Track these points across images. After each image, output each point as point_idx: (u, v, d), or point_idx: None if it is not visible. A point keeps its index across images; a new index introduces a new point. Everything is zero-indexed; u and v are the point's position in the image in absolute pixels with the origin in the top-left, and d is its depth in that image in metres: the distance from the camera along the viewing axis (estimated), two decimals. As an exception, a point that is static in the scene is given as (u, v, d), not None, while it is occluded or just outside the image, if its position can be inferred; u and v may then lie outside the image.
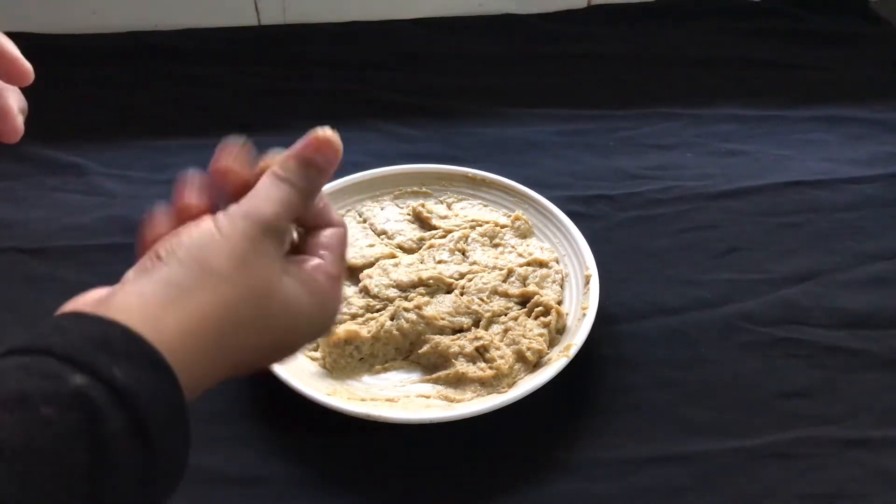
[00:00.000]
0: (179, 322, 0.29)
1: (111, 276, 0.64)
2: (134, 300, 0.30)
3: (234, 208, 0.33)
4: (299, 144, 0.36)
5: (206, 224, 0.32)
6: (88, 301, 0.31)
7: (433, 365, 0.54)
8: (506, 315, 0.56)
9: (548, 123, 0.79)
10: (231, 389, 0.53)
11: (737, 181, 0.72)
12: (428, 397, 0.51)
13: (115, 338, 0.27)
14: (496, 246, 0.62)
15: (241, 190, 0.35)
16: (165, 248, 0.31)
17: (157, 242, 0.33)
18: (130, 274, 0.32)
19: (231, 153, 0.36)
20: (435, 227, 0.63)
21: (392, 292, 0.57)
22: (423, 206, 0.64)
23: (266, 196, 0.34)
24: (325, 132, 0.36)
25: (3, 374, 0.25)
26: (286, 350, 0.35)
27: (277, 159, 0.36)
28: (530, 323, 0.55)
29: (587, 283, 0.57)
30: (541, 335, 0.54)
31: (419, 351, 0.54)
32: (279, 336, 0.33)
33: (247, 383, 0.54)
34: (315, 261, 0.35)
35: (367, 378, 0.54)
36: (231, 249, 0.31)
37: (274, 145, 0.84)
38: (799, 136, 0.78)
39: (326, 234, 0.36)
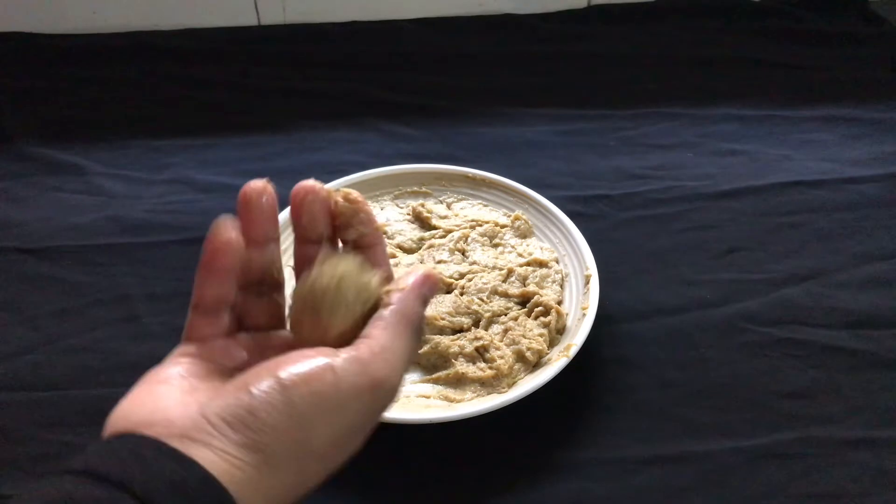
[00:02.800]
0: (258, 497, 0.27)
1: (111, 276, 0.65)
2: (216, 460, 0.27)
3: (353, 355, 0.30)
4: (413, 279, 0.33)
5: (320, 371, 0.29)
6: (164, 421, 0.28)
7: (433, 365, 0.54)
8: (506, 315, 0.56)
9: (548, 123, 0.80)
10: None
11: (737, 181, 0.72)
12: (428, 397, 0.51)
13: (196, 483, 0.26)
14: (496, 246, 0.62)
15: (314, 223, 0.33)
16: (263, 405, 0.28)
17: (259, 366, 0.29)
18: (208, 399, 0.29)
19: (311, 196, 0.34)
20: (435, 227, 0.63)
21: (392, 292, 0.57)
22: (422, 206, 0.65)
23: (393, 348, 0.31)
24: (429, 271, 0.34)
25: None
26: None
27: (396, 293, 0.33)
28: (530, 323, 0.55)
29: (587, 283, 0.57)
30: (541, 335, 0.54)
31: (419, 351, 0.54)
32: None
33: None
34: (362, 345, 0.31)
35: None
36: (343, 420, 0.29)
37: (274, 145, 0.84)
38: (799, 136, 0.78)
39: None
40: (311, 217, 0.34)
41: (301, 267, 0.34)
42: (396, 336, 0.31)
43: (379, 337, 0.31)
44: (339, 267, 0.33)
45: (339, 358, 0.29)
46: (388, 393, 0.31)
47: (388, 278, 0.35)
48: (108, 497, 0.24)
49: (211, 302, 0.33)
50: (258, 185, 0.33)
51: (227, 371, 0.32)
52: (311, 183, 0.34)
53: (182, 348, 0.33)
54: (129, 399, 0.30)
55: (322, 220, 0.35)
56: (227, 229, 0.33)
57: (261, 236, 0.34)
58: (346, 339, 0.32)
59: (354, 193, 0.35)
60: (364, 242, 0.34)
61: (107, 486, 0.24)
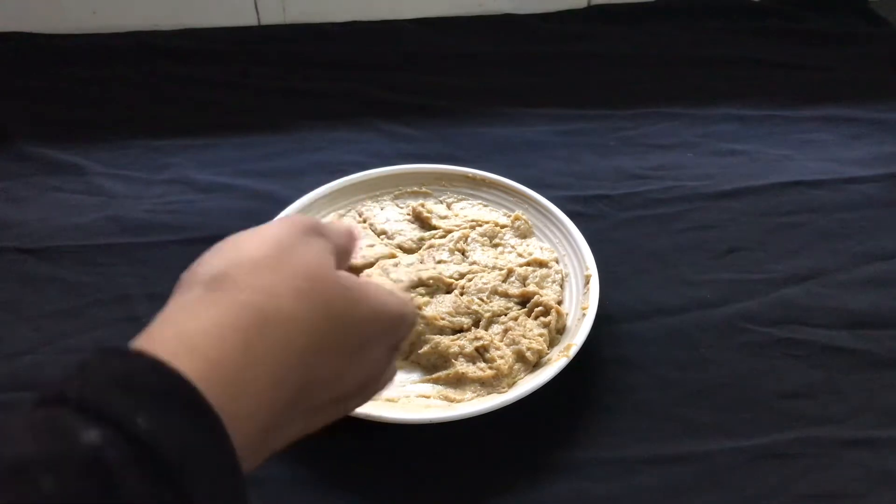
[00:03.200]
0: (218, 338, 0.24)
1: (111, 276, 0.64)
2: (168, 328, 0.25)
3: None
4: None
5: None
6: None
7: (433, 365, 0.54)
8: (506, 315, 0.56)
9: (548, 123, 0.80)
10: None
11: (737, 181, 0.72)
12: (428, 397, 0.51)
13: (140, 373, 0.22)
14: (496, 246, 0.62)
15: None
16: (198, 264, 0.28)
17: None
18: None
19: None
20: (435, 227, 0.63)
21: (392, 292, 0.57)
22: (422, 206, 0.64)
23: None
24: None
25: (6, 437, 0.20)
26: (372, 371, 0.31)
27: None
28: (530, 323, 0.55)
29: (587, 283, 0.57)
30: (541, 335, 0.54)
31: (419, 351, 0.54)
32: (356, 348, 0.29)
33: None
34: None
35: (367, 378, 0.54)
36: (265, 239, 0.28)
37: (274, 145, 0.84)
38: (799, 136, 0.78)
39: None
40: None
41: None
42: None
43: None
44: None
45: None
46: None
47: None
48: (39, 416, 0.21)
49: None
50: None
51: None
52: None
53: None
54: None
55: None
56: None
57: None
58: None
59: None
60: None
61: (43, 406, 0.21)
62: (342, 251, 0.32)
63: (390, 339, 0.32)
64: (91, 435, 0.20)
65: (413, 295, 0.57)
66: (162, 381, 0.22)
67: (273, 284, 0.27)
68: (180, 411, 0.22)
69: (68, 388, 0.21)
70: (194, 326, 0.25)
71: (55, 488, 0.19)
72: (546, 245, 0.62)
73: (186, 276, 0.28)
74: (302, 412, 0.28)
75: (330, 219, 0.64)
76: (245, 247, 0.28)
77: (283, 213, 0.61)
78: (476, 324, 0.56)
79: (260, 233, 0.29)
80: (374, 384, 0.32)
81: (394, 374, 0.34)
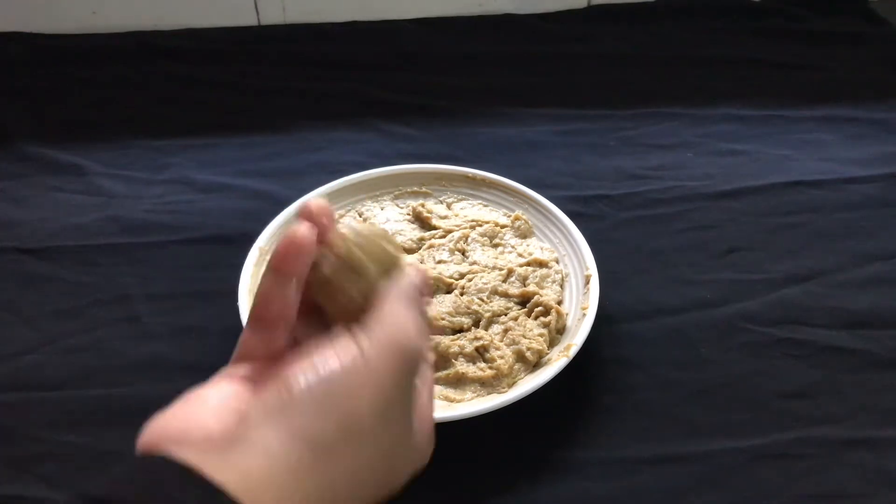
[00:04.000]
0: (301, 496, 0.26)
1: (111, 276, 0.64)
2: (258, 464, 0.26)
3: (375, 327, 0.30)
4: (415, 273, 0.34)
5: (347, 351, 0.29)
6: (205, 428, 0.27)
7: (433, 365, 0.54)
8: (506, 315, 0.56)
9: (548, 123, 0.80)
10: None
11: (737, 181, 0.72)
12: (428, 397, 0.51)
13: None
14: (496, 246, 0.62)
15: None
16: (299, 382, 0.28)
17: (287, 366, 0.29)
18: (248, 403, 0.28)
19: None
20: (435, 227, 0.63)
21: (392, 292, 0.57)
22: (423, 206, 0.64)
23: (406, 316, 0.31)
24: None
25: None
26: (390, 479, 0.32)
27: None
28: (530, 323, 0.55)
29: (587, 283, 0.57)
30: (541, 335, 0.54)
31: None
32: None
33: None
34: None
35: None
36: (376, 392, 0.28)
37: (274, 145, 0.84)
38: (799, 136, 0.78)
39: None
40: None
41: None
42: (397, 301, 0.31)
43: (382, 305, 0.31)
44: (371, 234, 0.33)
45: (362, 336, 0.30)
46: (410, 352, 0.30)
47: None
48: None
49: (275, 312, 0.31)
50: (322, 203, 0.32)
51: None
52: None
53: (229, 369, 0.31)
54: (168, 412, 0.29)
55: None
56: (305, 230, 0.31)
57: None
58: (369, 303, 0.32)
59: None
60: None
61: None
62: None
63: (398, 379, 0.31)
64: None
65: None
66: None
67: (358, 458, 0.28)
68: None
69: None
70: (279, 486, 0.26)
71: None
72: (546, 245, 0.62)
73: (288, 409, 0.27)
74: None
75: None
76: (357, 410, 0.28)
77: (283, 213, 0.61)
78: (476, 324, 0.56)
79: (375, 383, 0.29)
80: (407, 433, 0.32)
81: (431, 406, 0.35)
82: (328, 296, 0.33)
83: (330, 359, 0.28)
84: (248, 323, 0.32)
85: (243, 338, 0.32)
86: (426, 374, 0.33)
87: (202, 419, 0.27)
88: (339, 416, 0.27)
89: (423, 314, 0.33)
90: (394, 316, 0.31)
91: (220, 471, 0.25)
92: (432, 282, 0.36)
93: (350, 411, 0.28)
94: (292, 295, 0.31)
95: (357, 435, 0.28)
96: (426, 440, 0.33)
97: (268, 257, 0.59)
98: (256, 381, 0.30)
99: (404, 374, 0.30)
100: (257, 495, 0.25)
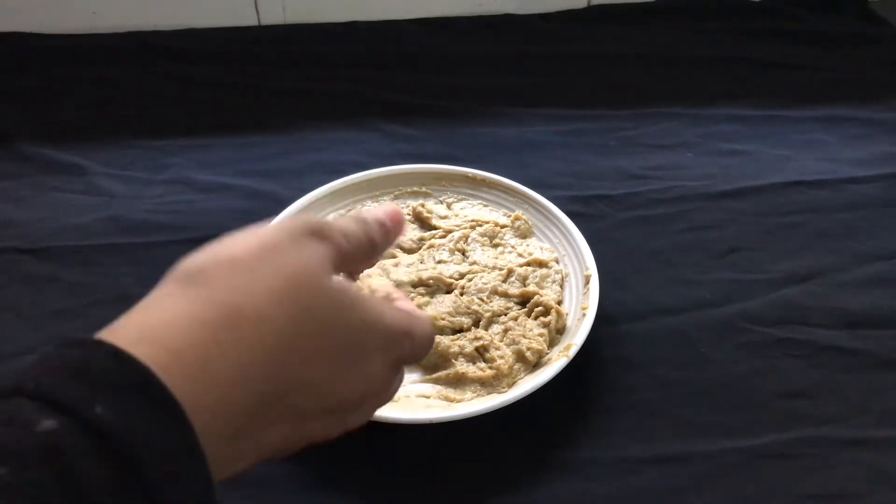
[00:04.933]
0: (182, 330, 0.24)
1: (111, 276, 0.64)
2: (134, 319, 0.25)
3: None
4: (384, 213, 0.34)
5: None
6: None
7: (433, 365, 0.54)
8: (506, 315, 0.56)
9: (548, 123, 0.80)
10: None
11: (737, 181, 0.72)
12: (428, 397, 0.51)
13: (98, 361, 0.22)
14: (496, 246, 0.62)
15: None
16: (181, 261, 0.27)
17: None
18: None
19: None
20: (435, 227, 0.63)
21: (392, 292, 0.57)
22: (423, 206, 0.64)
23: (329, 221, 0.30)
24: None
25: None
26: (371, 386, 0.29)
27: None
28: (530, 323, 0.55)
29: (587, 283, 0.57)
30: (541, 335, 0.54)
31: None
32: (347, 357, 0.28)
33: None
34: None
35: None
36: (251, 239, 0.27)
37: (274, 145, 0.84)
38: (799, 136, 0.78)
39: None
40: None
41: None
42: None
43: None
44: None
45: None
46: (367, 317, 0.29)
47: None
48: (2, 408, 0.21)
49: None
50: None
51: None
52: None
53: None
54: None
55: None
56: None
57: None
58: None
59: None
60: None
61: (2, 397, 0.21)
62: (347, 256, 0.30)
63: (389, 353, 0.30)
64: (47, 424, 0.20)
65: (413, 294, 0.57)
66: (120, 368, 0.22)
67: (248, 283, 0.26)
68: (139, 398, 0.21)
69: (26, 378, 0.21)
70: (160, 318, 0.25)
71: (11, 478, 0.19)
72: (546, 245, 0.62)
73: (168, 273, 0.27)
74: (282, 417, 0.26)
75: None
76: (229, 246, 0.27)
77: (283, 213, 0.61)
78: (476, 324, 0.56)
79: (250, 233, 0.28)
80: (373, 399, 0.31)
81: (395, 391, 0.33)
82: None
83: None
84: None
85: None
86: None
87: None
88: (213, 259, 0.26)
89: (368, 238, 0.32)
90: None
91: (113, 332, 0.24)
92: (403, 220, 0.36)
93: (226, 255, 0.27)
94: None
95: (235, 270, 0.26)
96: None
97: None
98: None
99: (293, 231, 0.29)
100: (146, 347, 0.23)
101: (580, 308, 0.56)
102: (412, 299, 0.56)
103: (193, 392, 0.23)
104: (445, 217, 0.64)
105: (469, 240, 0.62)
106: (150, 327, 0.24)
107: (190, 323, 0.24)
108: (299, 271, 0.27)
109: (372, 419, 0.47)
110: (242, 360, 0.25)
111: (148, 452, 0.21)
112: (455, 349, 0.53)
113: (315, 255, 0.28)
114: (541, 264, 0.60)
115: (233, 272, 0.26)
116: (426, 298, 0.56)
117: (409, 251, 0.62)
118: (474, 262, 0.60)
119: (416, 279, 0.57)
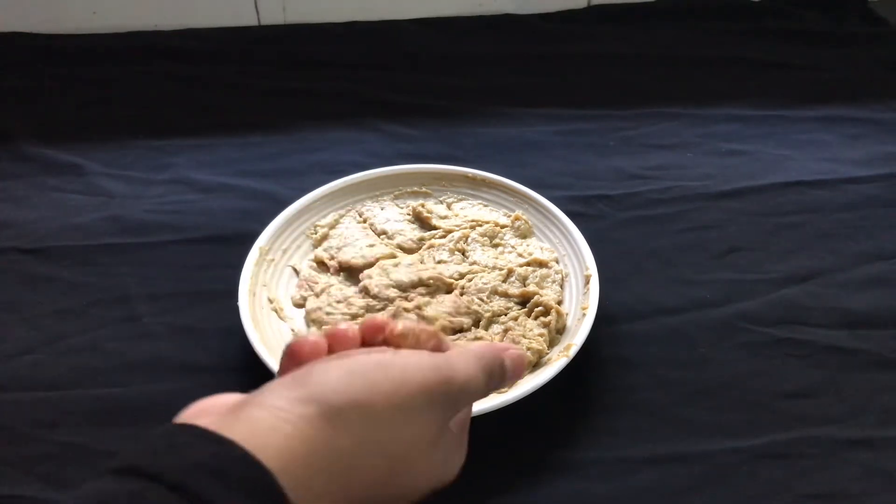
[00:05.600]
0: (312, 460, 0.26)
1: (111, 277, 0.64)
2: (260, 422, 0.26)
3: (425, 353, 0.31)
4: (510, 351, 0.35)
5: (380, 354, 0.30)
6: (218, 406, 0.28)
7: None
8: (506, 315, 0.56)
9: (548, 123, 0.79)
10: (230, 388, 0.53)
11: (737, 181, 0.72)
12: (428, 397, 0.51)
13: (231, 462, 0.24)
14: (496, 246, 0.62)
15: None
16: (322, 366, 0.29)
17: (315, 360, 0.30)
18: (273, 384, 0.29)
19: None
20: (435, 227, 0.63)
21: (392, 292, 0.57)
22: (423, 206, 0.65)
23: (465, 361, 0.31)
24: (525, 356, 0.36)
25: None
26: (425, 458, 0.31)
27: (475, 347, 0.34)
28: (530, 323, 0.55)
29: (587, 283, 0.57)
30: (541, 335, 0.54)
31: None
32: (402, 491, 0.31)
33: (248, 382, 0.54)
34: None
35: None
36: (398, 399, 0.29)
37: (274, 145, 0.84)
38: (799, 136, 0.78)
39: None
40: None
41: None
42: (472, 356, 0.32)
43: (452, 353, 0.32)
44: None
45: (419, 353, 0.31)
46: (459, 394, 0.31)
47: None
48: (141, 489, 0.23)
49: (306, 357, 0.32)
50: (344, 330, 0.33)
51: None
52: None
53: None
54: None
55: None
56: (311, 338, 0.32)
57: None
58: None
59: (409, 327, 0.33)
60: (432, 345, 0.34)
61: (140, 479, 0.24)
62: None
63: (436, 413, 0.31)
64: None
65: (413, 294, 0.57)
66: (250, 472, 0.24)
67: (370, 443, 0.28)
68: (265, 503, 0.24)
69: (164, 465, 0.24)
70: (283, 437, 0.26)
71: None
72: (546, 245, 0.62)
73: (306, 381, 0.28)
74: None
75: (330, 219, 0.64)
76: (371, 391, 0.28)
77: (282, 215, 0.61)
78: (476, 324, 0.56)
79: (394, 381, 0.29)
80: (432, 470, 0.32)
81: (462, 455, 0.35)
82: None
83: (362, 354, 0.29)
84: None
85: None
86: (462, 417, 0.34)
87: (223, 398, 0.29)
88: (354, 394, 0.28)
89: (493, 387, 0.34)
90: (465, 363, 0.31)
91: (231, 427, 0.26)
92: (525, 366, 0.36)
93: (367, 397, 0.28)
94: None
95: (372, 421, 0.28)
96: (444, 471, 0.33)
97: (268, 257, 0.59)
98: None
99: (445, 407, 0.31)
100: (268, 452, 0.25)
101: (580, 308, 0.56)
102: (412, 299, 0.56)
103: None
104: (445, 217, 0.64)
105: (469, 240, 0.62)
106: (274, 445, 0.26)
107: (309, 459, 0.26)
108: (415, 443, 0.30)
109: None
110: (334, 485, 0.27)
111: None
112: (455, 349, 0.53)
113: (433, 428, 0.31)
114: (541, 264, 0.60)
115: (364, 423, 0.28)
116: (426, 298, 0.56)
117: (409, 251, 0.62)
118: (474, 262, 0.60)
119: (416, 279, 0.57)
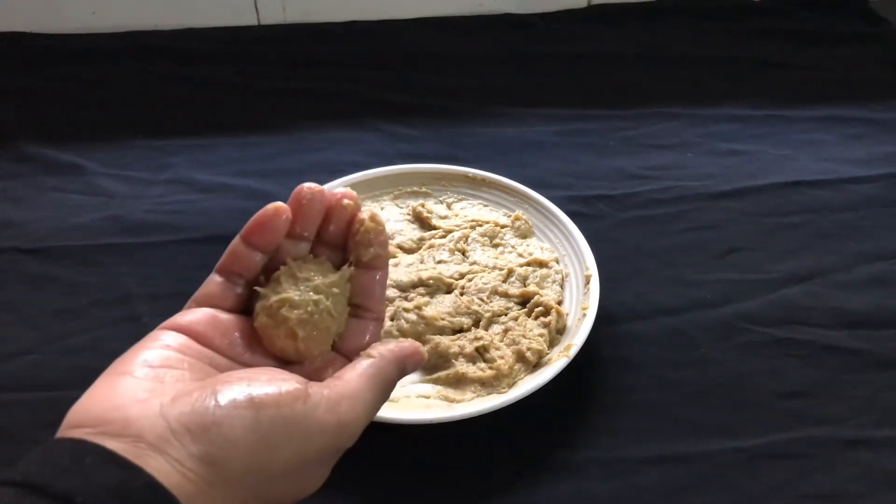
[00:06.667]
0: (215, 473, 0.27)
1: (111, 276, 0.64)
2: (169, 470, 0.26)
3: (325, 393, 0.31)
4: (403, 346, 0.35)
5: (293, 398, 0.29)
6: (103, 416, 0.28)
7: (433, 365, 0.54)
8: (506, 315, 0.56)
9: (548, 123, 0.80)
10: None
11: (737, 181, 0.72)
12: (428, 397, 0.51)
13: (140, 491, 0.25)
14: (496, 246, 0.62)
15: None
16: (228, 417, 0.28)
17: (231, 374, 0.30)
18: (169, 386, 0.29)
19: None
20: (435, 227, 0.63)
21: (392, 292, 0.57)
22: (423, 206, 0.65)
23: (363, 404, 0.32)
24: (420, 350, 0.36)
25: None
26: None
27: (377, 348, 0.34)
28: (530, 323, 0.55)
29: (587, 283, 0.57)
30: (541, 335, 0.54)
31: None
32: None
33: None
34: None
35: (367, 378, 0.53)
36: (302, 456, 0.29)
37: (274, 145, 0.84)
38: (799, 136, 0.78)
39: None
40: (306, 218, 0.35)
41: (275, 261, 0.35)
42: (368, 389, 0.32)
43: (352, 382, 0.32)
44: (315, 281, 0.34)
45: (313, 390, 0.30)
46: (350, 436, 0.32)
47: (379, 318, 0.36)
48: None
49: (236, 268, 0.34)
50: (315, 188, 0.34)
51: (208, 358, 0.32)
52: (316, 186, 0.34)
53: (182, 315, 0.33)
54: (90, 393, 0.30)
55: (315, 223, 0.35)
56: (280, 208, 0.33)
57: (300, 232, 0.35)
58: (316, 354, 0.34)
59: (379, 216, 0.35)
60: (374, 265, 0.35)
61: (47, 499, 0.24)
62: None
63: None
64: None
65: (413, 294, 0.56)
66: (156, 500, 0.25)
67: (261, 491, 0.29)
68: None
69: (71, 489, 0.24)
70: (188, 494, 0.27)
71: None
72: (546, 245, 0.62)
73: (210, 437, 0.28)
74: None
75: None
76: (277, 458, 0.29)
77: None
78: (476, 324, 0.56)
79: (298, 447, 0.30)
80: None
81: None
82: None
83: (269, 392, 0.29)
84: (214, 271, 0.34)
85: (206, 283, 0.34)
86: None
87: (124, 408, 0.28)
88: (255, 456, 0.28)
89: (389, 391, 0.34)
90: (351, 392, 0.31)
91: (138, 458, 0.26)
92: (424, 358, 0.36)
93: (267, 458, 0.28)
94: (256, 261, 0.34)
95: (266, 478, 0.29)
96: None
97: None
98: (201, 335, 0.32)
99: (334, 450, 0.31)
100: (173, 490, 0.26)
101: (580, 308, 0.56)
102: (411, 300, 0.56)
103: None
104: (445, 217, 0.64)
105: (469, 240, 0.62)
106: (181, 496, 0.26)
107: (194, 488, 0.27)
108: (303, 487, 0.32)
109: (372, 419, 0.47)
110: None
111: None
112: (455, 349, 0.53)
113: (321, 473, 0.33)
114: (541, 264, 0.60)
115: (259, 483, 0.29)
116: (426, 298, 0.56)
117: (409, 251, 0.62)
118: (474, 262, 0.60)
119: (416, 279, 0.57)
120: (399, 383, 0.52)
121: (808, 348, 0.57)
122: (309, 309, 0.33)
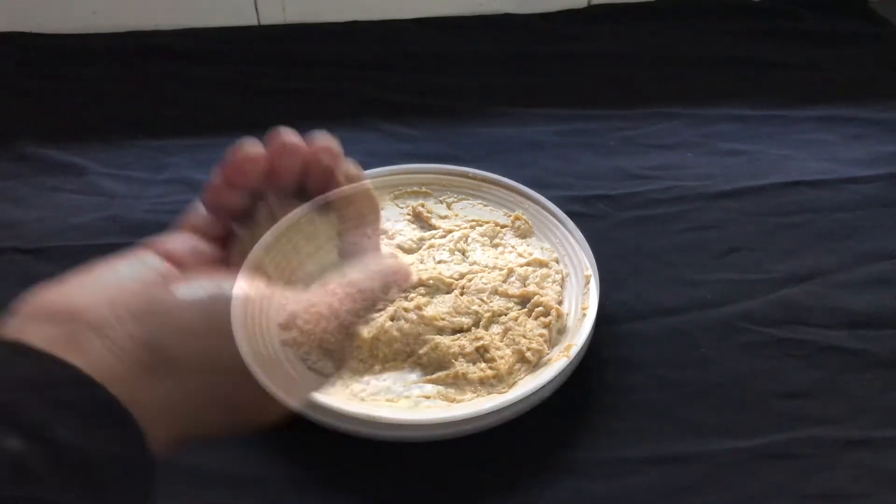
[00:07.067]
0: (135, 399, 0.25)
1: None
2: (104, 352, 0.26)
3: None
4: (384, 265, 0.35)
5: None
6: (54, 304, 0.27)
7: (433, 365, 0.54)
8: (506, 315, 0.56)
9: (548, 123, 0.80)
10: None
11: (737, 181, 0.72)
12: (428, 397, 0.51)
13: (64, 383, 0.23)
14: (496, 246, 0.62)
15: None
16: (194, 290, 0.28)
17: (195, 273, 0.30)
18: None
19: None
20: (435, 227, 0.63)
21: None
22: (422, 206, 0.64)
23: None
24: None
25: None
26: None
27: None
28: (530, 323, 0.55)
29: (587, 283, 0.57)
30: (541, 335, 0.54)
31: (419, 351, 0.54)
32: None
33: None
34: None
35: (366, 378, 0.53)
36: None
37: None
38: (799, 136, 0.78)
39: None
40: (284, 169, 0.34)
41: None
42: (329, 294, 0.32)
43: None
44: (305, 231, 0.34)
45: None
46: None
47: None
48: None
49: (221, 205, 0.34)
50: (290, 144, 0.34)
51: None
52: (292, 140, 0.34)
53: (162, 241, 0.33)
54: (49, 286, 0.30)
55: (293, 174, 0.35)
56: (256, 158, 0.33)
57: (278, 181, 0.35)
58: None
59: (356, 172, 0.35)
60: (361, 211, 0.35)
61: None
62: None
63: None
64: (13, 443, 0.21)
65: (413, 294, 0.56)
66: (85, 392, 0.24)
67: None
68: (102, 421, 0.23)
69: None
70: (117, 377, 0.26)
71: None
72: (546, 245, 0.62)
73: (155, 319, 0.28)
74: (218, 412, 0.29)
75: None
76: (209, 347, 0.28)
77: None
78: (476, 324, 0.56)
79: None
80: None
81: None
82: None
83: (230, 283, 0.29)
84: (199, 202, 0.34)
85: (191, 213, 0.35)
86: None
87: (80, 296, 0.28)
88: (206, 343, 0.27)
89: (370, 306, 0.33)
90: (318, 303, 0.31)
91: (66, 352, 0.25)
92: (409, 276, 0.36)
93: (218, 345, 0.27)
94: (238, 199, 0.34)
95: (220, 368, 0.28)
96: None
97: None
98: (179, 261, 0.32)
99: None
100: (106, 381, 0.25)
101: (580, 308, 0.56)
102: (411, 300, 0.56)
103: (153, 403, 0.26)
104: (445, 217, 0.64)
105: (469, 240, 0.62)
106: (107, 380, 0.25)
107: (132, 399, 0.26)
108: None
109: (373, 419, 0.48)
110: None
111: (110, 473, 0.23)
112: (455, 349, 0.53)
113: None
114: (541, 264, 0.60)
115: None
116: (426, 298, 0.56)
117: (409, 251, 0.62)
118: (474, 262, 0.60)
119: (415, 279, 0.57)
120: (399, 383, 0.53)
121: (809, 348, 0.57)
122: (301, 263, 0.33)
